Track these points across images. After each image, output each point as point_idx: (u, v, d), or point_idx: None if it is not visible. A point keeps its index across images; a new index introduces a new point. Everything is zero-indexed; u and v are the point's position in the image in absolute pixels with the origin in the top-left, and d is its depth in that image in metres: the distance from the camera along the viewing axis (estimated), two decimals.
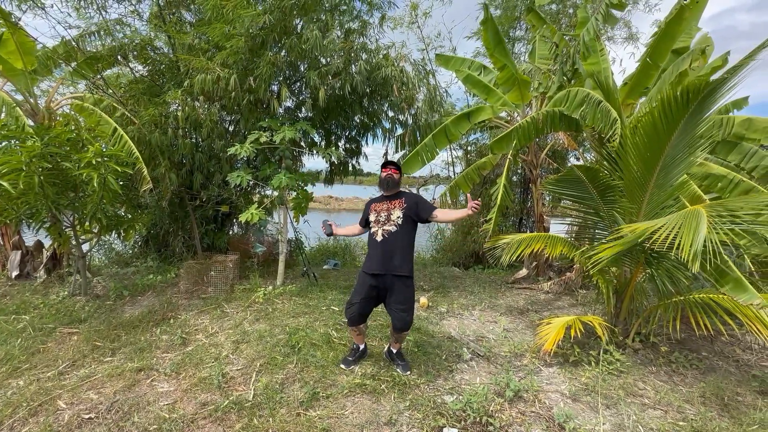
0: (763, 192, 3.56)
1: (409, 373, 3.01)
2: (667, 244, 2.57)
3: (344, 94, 5.07)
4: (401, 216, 2.84)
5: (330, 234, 3.12)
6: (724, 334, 3.89)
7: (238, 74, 4.63)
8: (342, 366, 3.07)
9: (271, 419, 2.45)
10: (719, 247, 2.52)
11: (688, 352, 3.54)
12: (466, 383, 2.97)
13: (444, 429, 2.38)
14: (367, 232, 3.06)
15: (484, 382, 2.98)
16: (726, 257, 2.98)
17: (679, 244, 2.46)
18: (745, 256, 3.60)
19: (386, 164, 3.01)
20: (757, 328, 2.73)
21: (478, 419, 2.48)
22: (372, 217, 2.98)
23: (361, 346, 3.21)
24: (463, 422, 2.47)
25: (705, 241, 2.39)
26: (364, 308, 2.94)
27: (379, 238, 2.85)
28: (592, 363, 3.22)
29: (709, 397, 2.86)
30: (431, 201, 9.34)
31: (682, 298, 3.23)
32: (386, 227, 2.85)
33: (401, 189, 3.07)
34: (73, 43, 5.50)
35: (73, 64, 5.48)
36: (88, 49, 5.73)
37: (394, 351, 3.15)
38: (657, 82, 4.52)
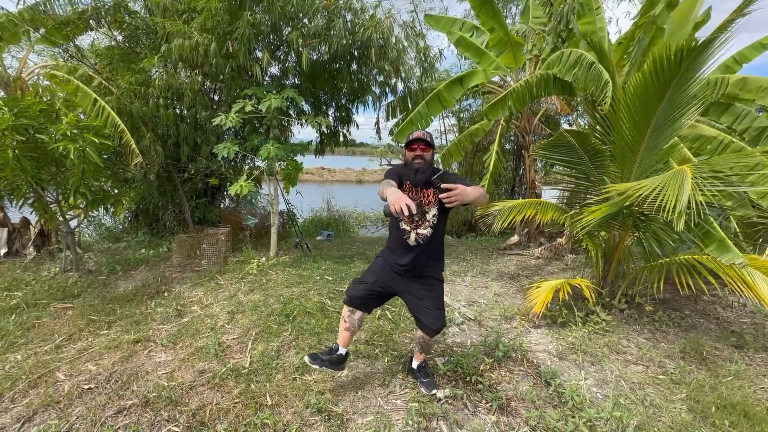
0: (752, 153, 3.56)
1: (435, 392, 2.44)
2: (656, 206, 2.59)
3: (329, 58, 4.86)
4: (437, 214, 2.22)
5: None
6: (707, 293, 4.04)
7: (217, 39, 4.39)
8: (306, 360, 2.40)
9: (268, 384, 2.52)
10: (704, 207, 2.54)
11: (671, 311, 3.66)
12: (457, 346, 3.06)
13: (437, 392, 2.46)
14: (393, 222, 2.34)
15: (475, 344, 3.07)
16: (711, 219, 3.02)
17: (665, 205, 2.48)
18: (731, 218, 3.67)
19: (413, 141, 2.20)
20: (738, 287, 2.82)
21: (468, 378, 2.57)
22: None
23: (343, 352, 2.42)
24: (453, 382, 2.56)
25: (689, 200, 2.40)
26: (373, 293, 2.35)
27: (412, 242, 2.25)
28: (579, 324, 3.33)
29: (688, 352, 2.99)
30: None
31: (668, 260, 3.30)
32: (421, 231, 2.23)
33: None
34: (41, 8, 5.14)
35: (42, 30, 5.14)
36: (58, 13, 5.36)
37: (416, 365, 2.58)
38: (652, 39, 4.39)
